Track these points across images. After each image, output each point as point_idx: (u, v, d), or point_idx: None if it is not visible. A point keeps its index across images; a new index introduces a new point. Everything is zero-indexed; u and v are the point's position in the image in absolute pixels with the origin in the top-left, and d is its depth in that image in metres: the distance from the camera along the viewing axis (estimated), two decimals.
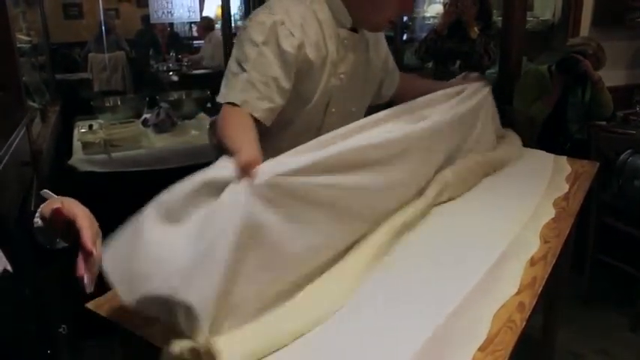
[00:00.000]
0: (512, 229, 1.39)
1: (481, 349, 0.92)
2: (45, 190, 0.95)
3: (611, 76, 3.00)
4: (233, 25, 3.83)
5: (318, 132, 1.48)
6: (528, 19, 3.80)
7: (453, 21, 3.11)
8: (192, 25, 6.91)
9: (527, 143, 2.13)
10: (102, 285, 1.00)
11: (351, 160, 1.18)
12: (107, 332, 1.01)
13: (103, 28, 5.58)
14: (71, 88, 5.03)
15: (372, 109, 1.65)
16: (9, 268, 0.76)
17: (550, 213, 1.51)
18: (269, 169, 1.03)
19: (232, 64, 1.36)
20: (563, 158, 1.99)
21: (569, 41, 3.19)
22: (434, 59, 3.32)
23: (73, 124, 3.17)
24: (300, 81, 1.38)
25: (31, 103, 2.71)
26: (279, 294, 1.03)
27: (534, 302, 1.09)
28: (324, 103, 1.45)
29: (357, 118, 1.60)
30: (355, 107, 1.56)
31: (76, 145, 2.76)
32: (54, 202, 0.90)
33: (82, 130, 2.92)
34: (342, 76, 1.44)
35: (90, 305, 1.04)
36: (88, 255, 0.83)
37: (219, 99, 1.34)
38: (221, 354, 0.86)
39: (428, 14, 5.37)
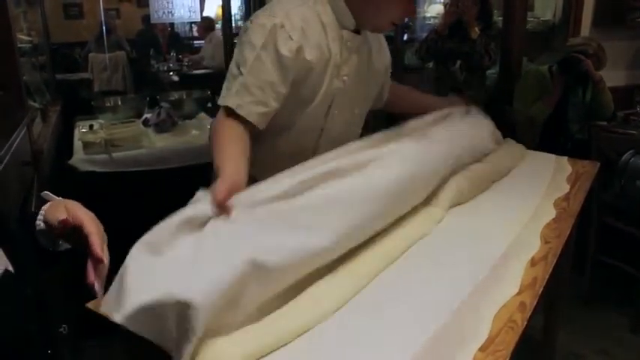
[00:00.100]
0: (513, 229, 1.39)
1: (482, 349, 0.92)
2: (46, 192, 0.95)
3: (611, 77, 3.00)
4: (233, 25, 3.84)
5: (320, 135, 1.48)
6: (529, 19, 3.80)
7: (454, 21, 3.11)
8: (193, 25, 6.92)
9: (527, 144, 2.13)
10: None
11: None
12: (107, 332, 1.01)
13: (104, 28, 5.58)
14: (72, 88, 5.03)
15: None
16: (10, 268, 0.76)
17: (551, 213, 1.51)
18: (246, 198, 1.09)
19: (232, 66, 1.37)
20: (564, 158, 1.99)
21: (570, 41, 3.19)
22: (434, 59, 3.32)
23: (73, 124, 3.17)
24: (300, 83, 1.38)
25: (32, 103, 2.71)
26: (279, 294, 1.03)
27: (535, 302, 1.09)
28: (326, 105, 1.45)
29: (360, 121, 1.61)
30: (358, 109, 1.56)
31: (77, 144, 2.76)
32: (57, 206, 0.89)
33: (83, 130, 2.92)
34: (345, 78, 1.44)
35: (90, 305, 1.04)
36: (97, 262, 0.83)
37: (219, 101, 1.36)
38: (219, 354, 0.87)
39: (428, 14, 5.37)
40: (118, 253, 0.96)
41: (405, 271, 1.19)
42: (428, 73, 3.44)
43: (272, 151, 1.47)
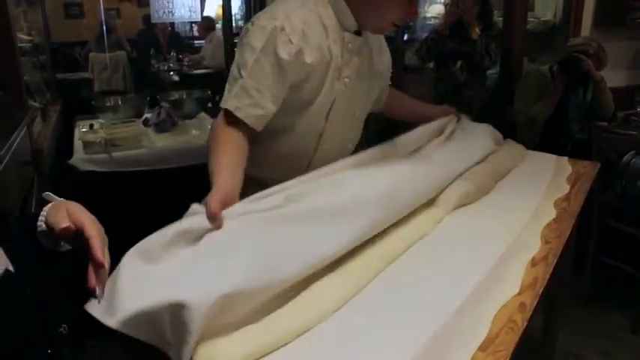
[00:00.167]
0: (513, 229, 1.39)
1: (482, 349, 0.92)
2: (47, 193, 0.95)
3: (612, 77, 3.00)
4: (234, 25, 3.84)
5: (320, 137, 1.48)
6: (529, 19, 3.81)
7: (454, 21, 3.11)
8: (193, 24, 6.92)
9: (528, 144, 2.13)
10: None
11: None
12: (107, 332, 1.01)
13: (104, 27, 5.59)
14: (72, 87, 5.04)
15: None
16: (10, 268, 0.76)
17: (551, 214, 1.51)
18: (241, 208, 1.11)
19: (234, 68, 1.37)
20: (564, 159, 1.99)
21: (570, 41, 3.19)
22: (435, 59, 3.32)
23: (73, 124, 3.17)
24: (300, 86, 1.38)
25: (32, 103, 2.71)
26: (279, 294, 1.03)
27: (535, 303, 1.09)
28: (326, 107, 1.45)
29: (360, 123, 1.61)
30: (358, 111, 1.56)
31: (77, 144, 2.76)
32: (59, 209, 0.89)
33: (83, 130, 2.92)
34: (346, 80, 1.44)
35: (87, 307, 1.04)
36: (98, 267, 0.82)
37: (221, 103, 1.37)
38: (219, 354, 0.87)
39: (429, 14, 5.37)
40: (118, 253, 0.96)
41: (405, 271, 1.19)
42: (428, 74, 3.44)
43: (273, 152, 1.47)
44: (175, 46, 6.31)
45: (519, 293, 1.10)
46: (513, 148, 2.01)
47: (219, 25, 6.05)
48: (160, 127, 2.96)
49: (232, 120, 1.33)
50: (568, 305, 2.43)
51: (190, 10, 4.35)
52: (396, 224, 1.34)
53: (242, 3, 4.79)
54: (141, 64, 5.82)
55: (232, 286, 0.91)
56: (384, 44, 1.66)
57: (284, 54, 1.31)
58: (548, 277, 1.19)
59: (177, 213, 1.15)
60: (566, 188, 1.71)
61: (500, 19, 3.62)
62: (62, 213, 0.87)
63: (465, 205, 1.54)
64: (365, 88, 1.54)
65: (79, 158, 2.59)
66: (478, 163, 1.76)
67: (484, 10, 3.14)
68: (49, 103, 3.22)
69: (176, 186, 2.47)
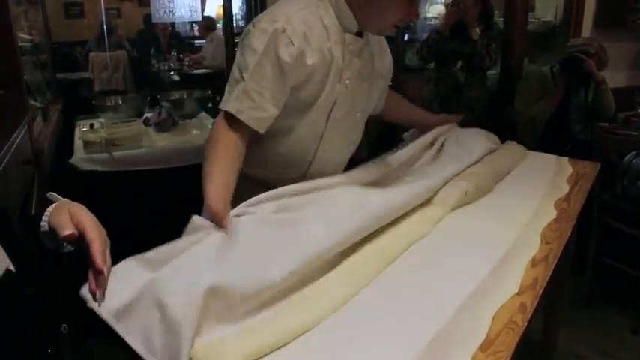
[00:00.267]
0: (514, 230, 1.40)
1: (483, 349, 0.92)
2: (51, 193, 0.95)
3: (612, 78, 3.00)
4: (234, 25, 3.83)
5: (321, 138, 1.48)
6: (530, 20, 3.80)
7: (455, 22, 3.11)
8: (194, 24, 6.92)
9: (528, 144, 2.13)
10: None
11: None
12: (108, 332, 1.01)
13: (105, 27, 5.58)
14: (72, 87, 5.04)
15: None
16: (12, 267, 0.76)
17: (551, 214, 1.51)
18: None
19: (234, 70, 1.37)
20: (565, 159, 1.99)
21: (571, 41, 3.19)
22: (436, 60, 3.32)
23: (74, 123, 3.17)
24: (301, 87, 1.38)
25: (33, 102, 2.71)
26: (280, 294, 1.03)
27: (536, 303, 1.09)
28: (327, 108, 1.44)
29: (361, 125, 1.61)
30: (359, 113, 1.56)
31: (78, 144, 2.76)
32: (61, 211, 0.89)
33: (84, 129, 2.92)
34: (347, 81, 1.44)
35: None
36: (98, 273, 0.82)
37: (220, 105, 1.37)
38: (219, 354, 0.87)
39: (429, 15, 5.37)
40: (119, 253, 0.96)
41: (405, 272, 1.19)
42: (429, 74, 3.44)
43: (273, 153, 1.47)
44: (176, 46, 6.30)
45: (519, 293, 1.11)
46: (513, 148, 2.01)
47: (219, 25, 6.05)
48: (161, 127, 2.96)
49: (233, 122, 1.33)
50: (568, 306, 2.43)
51: (191, 10, 4.35)
52: (395, 224, 1.34)
53: (243, 3, 4.78)
54: (141, 64, 5.82)
55: (222, 282, 0.93)
56: (386, 46, 1.66)
57: (285, 56, 1.31)
58: (548, 277, 1.19)
59: (177, 213, 1.15)
60: (567, 189, 1.71)
61: (501, 19, 3.62)
62: (65, 216, 0.87)
63: (464, 205, 1.54)
64: (366, 90, 1.54)
65: (80, 158, 2.59)
66: (476, 163, 1.76)
67: (485, 10, 3.14)
68: (49, 103, 3.22)
69: (176, 185, 2.47)
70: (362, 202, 1.30)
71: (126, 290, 0.93)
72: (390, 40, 1.68)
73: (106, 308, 0.91)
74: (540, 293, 1.12)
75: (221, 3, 4.22)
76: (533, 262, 1.24)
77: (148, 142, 2.79)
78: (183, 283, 0.93)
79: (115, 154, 2.61)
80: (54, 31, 4.27)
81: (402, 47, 4.37)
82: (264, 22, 1.35)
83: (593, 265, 2.82)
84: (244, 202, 1.21)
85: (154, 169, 2.65)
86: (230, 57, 3.38)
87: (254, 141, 1.42)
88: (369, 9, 1.39)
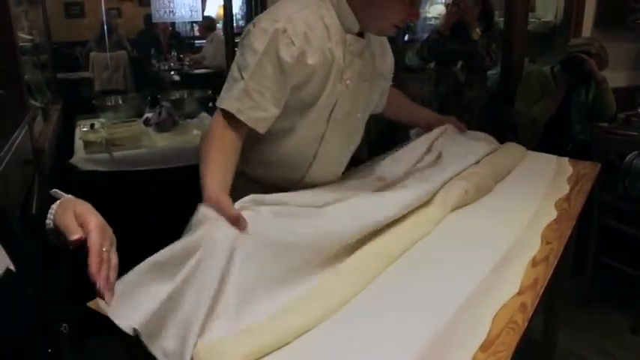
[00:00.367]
0: (514, 230, 1.40)
1: (483, 349, 0.92)
2: (55, 190, 0.95)
3: (612, 78, 3.00)
4: (235, 25, 3.83)
5: (321, 138, 1.48)
6: (530, 20, 3.80)
7: (455, 22, 3.11)
8: (194, 24, 6.92)
9: (529, 144, 2.13)
10: None
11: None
12: (108, 332, 1.01)
13: (105, 27, 5.58)
14: (73, 87, 5.03)
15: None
16: (12, 267, 0.76)
17: (552, 214, 1.51)
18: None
19: (234, 69, 1.36)
20: (565, 159, 1.99)
21: (572, 41, 3.19)
22: (436, 60, 3.32)
23: (74, 123, 3.17)
24: (302, 87, 1.38)
25: (33, 102, 2.71)
26: (280, 294, 1.03)
27: (536, 303, 1.09)
28: (328, 109, 1.44)
29: (361, 125, 1.61)
30: (360, 114, 1.56)
31: (78, 143, 2.76)
32: (66, 209, 0.89)
33: (84, 129, 2.91)
34: (347, 82, 1.44)
35: (92, 304, 1.04)
36: (91, 278, 0.83)
37: (218, 103, 1.36)
38: (220, 354, 0.87)
39: (430, 15, 5.37)
40: (119, 253, 0.96)
41: (405, 272, 1.19)
42: (429, 74, 3.44)
43: (274, 153, 1.47)
44: (176, 46, 6.29)
45: (520, 293, 1.11)
46: (513, 148, 2.01)
47: (219, 25, 6.05)
48: (161, 127, 2.96)
49: (231, 120, 1.33)
50: (568, 306, 2.43)
51: (191, 10, 4.34)
52: (395, 225, 1.34)
53: (243, 3, 4.78)
54: (142, 64, 5.81)
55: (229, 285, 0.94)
56: (387, 46, 1.65)
57: (286, 56, 1.31)
58: (548, 277, 1.19)
59: (177, 213, 1.15)
60: (567, 189, 1.71)
61: (502, 19, 3.62)
62: (70, 215, 0.87)
63: (464, 205, 1.54)
64: (367, 90, 1.53)
65: (80, 158, 2.59)
66: (476, 163, 1.76)
67: (485, 10, 3.14)
68: (49, 103, 3.22)
69: (177, 185, 2.47)
70: (361, 213, 1.31)
71: (144, 301, 0.95)
72: (390, 40, 1.68)
73: (133, 322, 0.92)
74: (541, 293, 1.12)
75: (221, 3, 4.22)
76: (534, 262, 1.24)
77: (148, 142, 2.79)
78: (194, 288, 0.94)
79: (115, 154, 2.61)
80: (54, 30, 4.27)
81: (402, 47, 4.37)
82: (264, 21, 1.34)
83: (593, 265, 2.82)
84: (245, 198, 1.20)
85: (154, 169, 2.65)
86: (230, 57, 3.38)
87: (254, 141, 1.41)
88: (370, 9, 1.39)
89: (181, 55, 6.16)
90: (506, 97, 3.32)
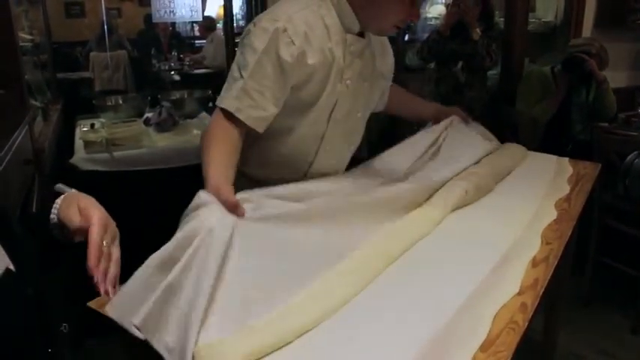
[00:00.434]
0: (514, 230, 1.40)
1: (483, 349, 0.92)
2: (59, 185, 0.95)
3: (612, 78, 2.99)
4: (235, 25, 3.83)
5: (322, 138, 1.48)
6: (530, 20, 3.80)
7: (456, 22, 3.11)
8: (194, 24, 6.92)
9: (529, 144, 2.13)
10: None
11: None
12: (108, 331, 1.01)
13: (105, 27, 5.58)
14: (73, 86, 5.04)
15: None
16: (11, 267, 0.76)
17: (552, 214, 1.51)
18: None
19: (234, 69, 1.36)
20: (565, 160, 1.99)
21: (572, 41, 3.19)
22: (436, 60, 3.32)
23: (74, 123, 3.17)
24: (302, 87, 1.38)
25: (33, 102, 2.71)
26: (280, 294, 1.03)
27: (536, 303, 1.09)
28: (328, 109, 1.44)
29: (362, 125, 1.61)
30: (360, 113, 1.56)
31: (78, 143, 2.76)
32: (70, 203, 0.89)
33: (84, 129, 2.91)
34: (348, 82, 1.44)
35: (92, 304, 1.04)
36: (89, 277, 0.83)
37: (217, 102, 1.36)
38: (220, 354, 0.87)
39: (430, 15, 5.36)
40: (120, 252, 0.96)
41: (405, 272, 1.19)
42: (429, 74, 3.44)
43: (274, 153, 1.47)
44: (176, 46, 6.30)
45: (520, 294, 1.11)
46: (514, 148, 2.01)
47: (220, 25, 6.05)
48: (161, 127, 2.96)
49: (231, 119, 1.32)
50: (568, 306, 2.43)
51: (191, 10, 4.34)
52: (395, 225, 1.34)
53: (243, 3, 4.79)
54: (142, 64, 5.81)
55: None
56: (388, 46, 1.65)
57: (286, 55, 1.31)
58: (549, 277, 1.19)
59: (177, 213, 1.15)
60: (567, 189, 1.71)
61: (502, 19, 3.62)
62: (73, 209, 0.88)
63: (464, 205, 1.54)
64: (367, 90, 1.53)
65: (80, 157, 2.59)
66: (476, 163, 1.76)
67: (485, 10, 3.14)
68: (50, 103, 3.22)
69: (177, 185, 2.46)
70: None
71: (147, 298, 0.95)
72: (390, 40, 1.68)
73: (134, 318, 0.93)
74: (541, 293, 1.12)
75: (221, 3, 4.23)
76: (534, 263, 1.24)
77: (148, 142, 2.79)
78: (192, 278, 0.94)
79: (115, 153, 2.61)
80: (54, 30, 4.27)
81: (402, 47, 4.37)
82: (265, 21, 1.34)
83: (593, 265, 2.82)
84: (246, 191, 1.19)
85: (154, 169, 2.65)
86: (230, 57, 3.38)
87: (254, 140, 1.41)
88: (371, 9, 1.39)
89: (181, 55, 6.16)
90: (506, 98, 3.32)
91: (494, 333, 0.97)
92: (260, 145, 1.44)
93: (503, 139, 2.09)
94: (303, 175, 1.51)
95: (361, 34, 1.45)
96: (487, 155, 1.87)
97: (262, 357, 0.90)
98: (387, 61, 1.63)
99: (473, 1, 3.05)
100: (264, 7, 2.89)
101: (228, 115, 1.32)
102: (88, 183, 2.56)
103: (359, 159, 1.69)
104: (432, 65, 3.41)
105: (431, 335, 0.96)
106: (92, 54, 5.62)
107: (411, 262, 1.23)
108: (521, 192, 1.67)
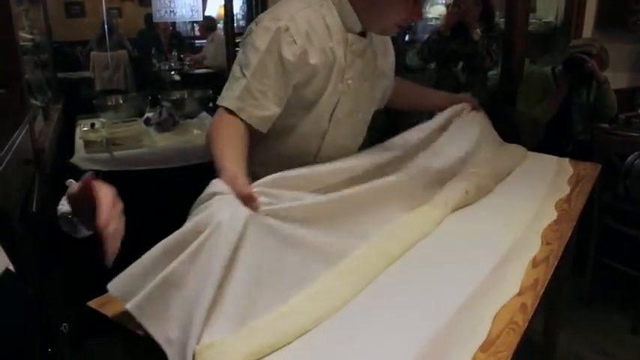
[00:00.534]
0: (514, 230, 1.39)
1: (483, 350, 0.92)
2: (70, 180, 0.96)
3: (613, 79, 2.99)
4: (235, 25, 3.83)
5: (323, 137, 1.48)
6: (531, 21, 3.80)
7: (456, 22, 3.11)
8: (195, 24, 6.92)
9: (530, 145, 2.13)
10: (103, 283, 1.00)
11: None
12: (108, 331, 1.01)
13: (106, 26, 5.58)
14: (73, 86, 5.04)
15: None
16: (11, 267, 0.76)
17: (552, 215, 1.51)
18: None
19: (236, 68, 1.36)
20: (566, 160, 1.99)
21: (572, 42, 3.19)
22: (436, 60, 3.32)
23: (75, 123, 3.17)
24: (304, 87, 1.38)
25: (34, 102, 2.71)
26: (280, 294, 1.03)
27: (536, 303, 1.09)
28: (329, 108, 1.44)
29: (363, 124, 1.61)
30: (361, 113, 1.56)
31: (78, 143, 2.76)
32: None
33: (84, 129, 2.91)
34: (349, 81, 1.44)
35: (92, 304, 1.04)
36: (98, 236, 0.83)
37: (219, 101, 1.35)
38: (220, 354, 0.87)
39: (430, 15, 5.36)
40: (120, 252, 0.96)
41: (405, 272, 1.19)
42: (430, 74, 3.44)
43: (275, 152, 1.47)
44: (177, 46, 6.30)
45: (520, 294, 1.11)
46: (514, 149, 2.01)
47: (220, 25, 6.05)
48: (162, 127, 2.96)
49: (233, 118, 1.32)
50: (568, 306, 2.43)
51: (192, 10, 4.35)
52: (396, 225, 1.34)
53: (243, 3, 4.79)
54: (142, 64, 5.81)
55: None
56: (390, 45, 1.64)
57: (288, 55, 1.31)
58: (549, 278, 1.19)
59: (177, 213, 1.15)
60: (568, 189, 1.71)
61: (502, 20, 3.62)
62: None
63: (464, 206, 1.54)
64: (368, 89, 1.53)
65: (80, 157, 2.59)
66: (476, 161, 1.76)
67: (486, 11, 3.14)
68: (50, 102, 3.22)
69: (177, 185, 2.46)
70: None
71: (148, 284, 0.94)
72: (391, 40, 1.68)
73: (131, 303, 0.92)
74: (541, 294, 1.12)
75: (222, 3, 4.23)
76: (534, 263, 1.24)
77: (148, 142, 2.79)
78: (199, 278, 0.94)
79: (115, 153, 2.61)
80: (55, 30, 4.28)
81: (402, 47, 4.36)
82: (266, 20, 1.34)
83: (593, 265, 2.82)
84: (261, 181, 1.15)
85: (154, 168, 2.65)
86: (231, 57, 3.38)
87: (256, 140, 1.41)
88: (373, 9, 1.38)
89: (182, 55, 6.16)
90: (506, 98, 3.32)
91: (494, 333, 0.97)
92: (261, 145, 1.44)
93: (503, 139, 2.09)
94: None
95: (363, 34, 1.45)
96: (489, 154, 1.86)
97: (262, 357, 0.90)
98: (388, 60, 1.63)
99: (473, 1, 3.05)
100: (264, 7, 2.89)
101: (231, 115, 1.32)
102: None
103: None
104: (433, 65, 3.41)
105: (431, 335, 0.96)
106: (93, 53, 5.62)
107: (411, 262, 1.23)
108: (521, 192, 1.67)
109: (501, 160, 1.85)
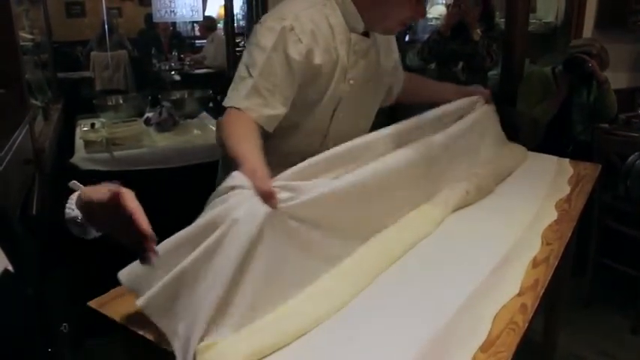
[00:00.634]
0: (515, 231, 1.39)
1: (483, 350, 0.92)
2: (74, 182, 0.96)
3: (613, 79, 2.99)
4: (235, 24, 3.83)
5: (325, 137, 1.48)
6: (531, 21, 3.80)
7: (456, 22, 3.12)
8: (195, 24, 6.93)
9: (530, 145, 2.13)
10: (103, 283, 1.00)
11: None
12: (108, 331, 1.01)
13: (106, 26, 5.59)
14: (73, 86, 5.03)
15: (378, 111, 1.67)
16: (10, 267, 0.76)
17: (552, 215, 1.51)
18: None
19: (241, 68, 1.36)
20: (566, 160, 1.99)
21: (573, 42, 3.19)
22: (437, 60, 3.32)
23: (75, 123, 3.17)
24: (307, 86, 1.38)
25: (34, 101, 2.71)
26: (280, 294, 1.03)
27: (537, 304, 1.09)
28: (331, 107, 1.44)
29: (366, 123, 1.60)
30: (364, 112, 1.56)
31: (78, 143, 2.76)
32: (95, 187, 0.91)
33: (84, 129, 2.91)
34: (351, 81, 1.44)
35: (92, 304, 1.04)
36: (142, 240, 0.85)
37: (225, 102, 1.34)
38: (220, 354, 0.87)
39: (430, 15, 5.36)
40: (119, 252, 0.96)
41: (405, 272, 1.19)
42: (430, 74, 3.44)
43: (277, 150, 1.47)
44: (177, 46, 6.30)
45: (520, 294, 1.10)
46: (515, 149, 2.01)
47: (220, 25, 6.06)
48: (162, 127, 2.96)
49: (245, 114, 1.31)
50: (569, 306, 2.43)
51: (192, 10, 4.35)
52: (396, 225, 1.34)
53: (244, 3, 4.79)
54: (142, 64, 5.82)
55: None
56: (394, 42, 1.64)
57: (294, 54, 1.31)
58: (549, 278, 1.19)
59: (178, 213, 1.15)
60: (568, 190, 1.71)
61: (502, 20, 3.62)
62: (103, 189, 0.91)
63: (465, 206, 1.54)
64: (371, 89, 1.53)
65: (81, 157, 2.59)
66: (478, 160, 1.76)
67: (486, 11, 3.14)
68: (50, 102, 3.22)
69: (177, 185, 2.47)
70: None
71: (158, 278, 0.95)
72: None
73: (142, 299, 0.93)
74: (541, 294, 1.12)
75: (222, 3, 4.23)
76: (534, 263, 1.24)
77: (148, 142, 2.79)
78: (210, 276, 0.94)
79: (115, 153, 2.61)
80: (55, 30, 4.28)
81: (403, 48, 4.35)
82: (271, 20, 1.34)
83: (593, 266, 2.82)
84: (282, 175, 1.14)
85: (154, 168, 2.65)
86: (231, 57, 3.39)
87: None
88: (376, 9, 1.38)
89: (182, 55, 6.17)
90: (506, 98, 3.32)
91: (494, 334, 0.97)
92: (263, 143, 1.44)
93: None
94: None
95: (366, 34, 1.45)
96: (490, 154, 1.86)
97: (263, 357, 0.90)
98: (391, 57, 1.62)
99: (473, 1, 3.05)
100: (264, 6, 2.89)
101: (239, 114, 1.31)
102: (88, 183, 2.57)
103: None
104: (433, 66, 3.41)
105: (431, 335, 0.96)
106: (93, 53, 5.62)
107: (411, 262, 1.23)
108: (521, 193, 1.67)
109: (503, 161, 1.85)
